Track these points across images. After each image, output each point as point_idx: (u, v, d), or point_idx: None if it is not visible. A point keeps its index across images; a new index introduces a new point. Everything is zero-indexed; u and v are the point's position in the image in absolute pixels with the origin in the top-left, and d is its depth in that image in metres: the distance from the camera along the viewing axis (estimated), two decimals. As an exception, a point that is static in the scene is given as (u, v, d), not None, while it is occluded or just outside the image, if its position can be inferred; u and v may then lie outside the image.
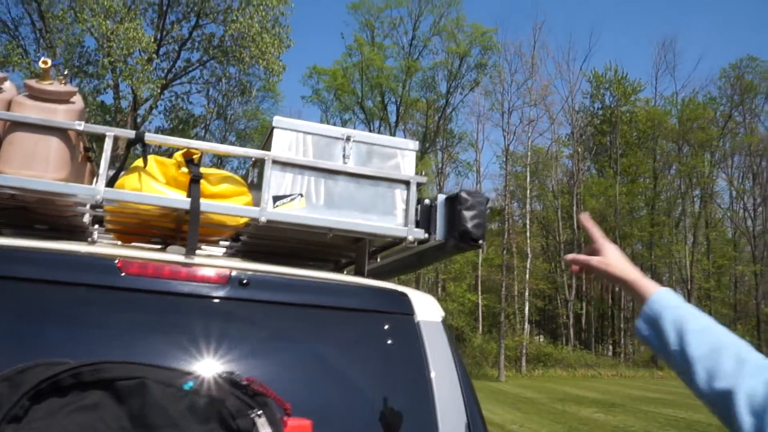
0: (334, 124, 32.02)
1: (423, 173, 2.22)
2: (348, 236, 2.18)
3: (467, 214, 2.05)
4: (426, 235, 2.09)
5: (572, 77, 39.15)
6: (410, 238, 2.05)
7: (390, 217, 2.08)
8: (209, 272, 1.70)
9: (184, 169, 1.98)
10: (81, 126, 1.93)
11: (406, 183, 2.10)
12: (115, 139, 1.94)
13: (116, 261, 1.66)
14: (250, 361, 1.62)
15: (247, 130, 32.71)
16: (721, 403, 1.09)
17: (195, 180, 1.95)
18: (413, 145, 2.21)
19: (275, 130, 2.07)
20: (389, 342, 1.73)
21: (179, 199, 1.93)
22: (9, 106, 1.97)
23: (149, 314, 1.67)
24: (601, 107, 40.69)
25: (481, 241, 2.04)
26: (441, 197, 2.13)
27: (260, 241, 2.45)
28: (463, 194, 2.09)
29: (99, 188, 1.88)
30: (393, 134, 31.37)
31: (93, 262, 1.69)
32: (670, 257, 37.99)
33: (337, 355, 1.70)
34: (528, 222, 32.17)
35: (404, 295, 1.85)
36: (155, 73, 24.22)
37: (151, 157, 2.06)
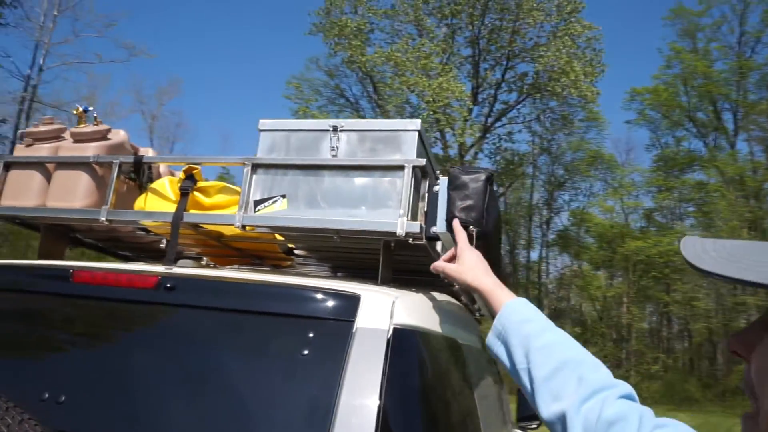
0: (666, 144, 29.57)
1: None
2: (370, 239, 1.91)
3: (455, 195, 1.65)
4: (432, 229, 1.74)
5: None
6: (400, 232, 1.71)
7: (383, 210, 1.78)
8: (138, 278, 1.65)
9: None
10: (91, 158, 2.06)
11: (401, 168, 1.77)
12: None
13: (71, 270, 1.72)
14: (144, 365, 1.52)
15: (574, 161, 31.97)
16: (560, 425, 1.00)
17: (183, 193, 1.93)
18: (413, 124, 1.86)
19: (261, 134, 1.94)
20: (306, 353, 1.44)
21: (163, 212, 1.92)
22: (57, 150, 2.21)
23: (84, 319, 1.70)
24: None
25: (471, 228, 1.60)
26: (443, 180, 1.75)
27: (314, 254, 2.32)
28: (454, 171, 1.68)
29: (103, 210, 1.97)
30: (733, 145, 27.63)
31: (50, 272, 1.78)
32: None
33: (240, 365, 1.48)
34: None
35: (352, 298, 1.53)
36: (475, 119, 25.28)
37: (167, 177, 2.10)
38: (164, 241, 2.51)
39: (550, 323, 1.15)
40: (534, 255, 33.05)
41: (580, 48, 23.29)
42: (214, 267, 2.51)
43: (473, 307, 3.24)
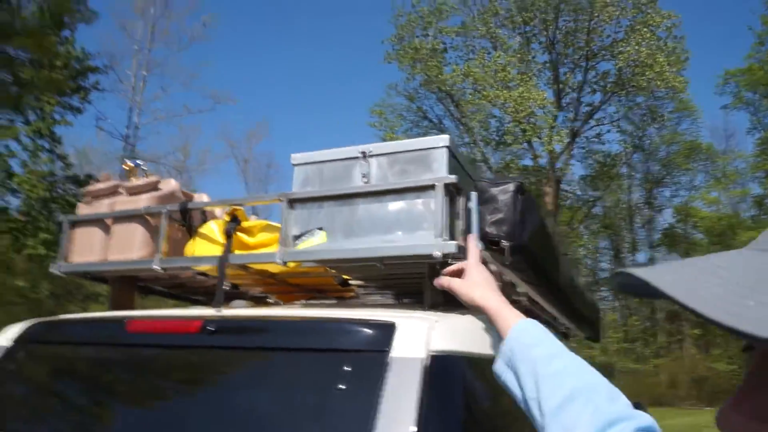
0: (764, 129, 27.73)
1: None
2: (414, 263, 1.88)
3: (485, 209, 1.60)
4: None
5: None
6: (437, 254, 1.67)
7: (420, 233, 1.74)
8: (183, 323, 1.69)
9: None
10: (142, 210, 2.14)
11: (431, 187, 1.74)
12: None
13: (125, 320, 1.78)
14: (194, 406, 1.56)
15: (670, 155, 30.60)
16: None
17: (228, 235, 1.97)
18: (442, 141, 1.82)
19: (294, 168, 1.95)
20: (342, 387, 1.41)
21: (208, 256, 1.97)
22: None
23: (140, 366, 1.75)
24: None
25: (504, 243, 1.53)
26: (474, 195, 1.69)
27: (371, 283, 2.30)
28: (482, 184, 1.63)
29: (156, 258, 2.04)
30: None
31: (108, 323, 1.86)
32: None
33: (278, 403, 1.48)
34: None
35: (387, 327, 1.49)
36: (561, 125, 24.68)
37: (214, 221, 2.15)
38: (227, 284, 2.57)
39: (563, 347, 1.06)
40: (640, 257, 31.74)
41: (661, 38, 22.41)
42: (279, 305, 2.55)
43: (557, 324, 3.11)
